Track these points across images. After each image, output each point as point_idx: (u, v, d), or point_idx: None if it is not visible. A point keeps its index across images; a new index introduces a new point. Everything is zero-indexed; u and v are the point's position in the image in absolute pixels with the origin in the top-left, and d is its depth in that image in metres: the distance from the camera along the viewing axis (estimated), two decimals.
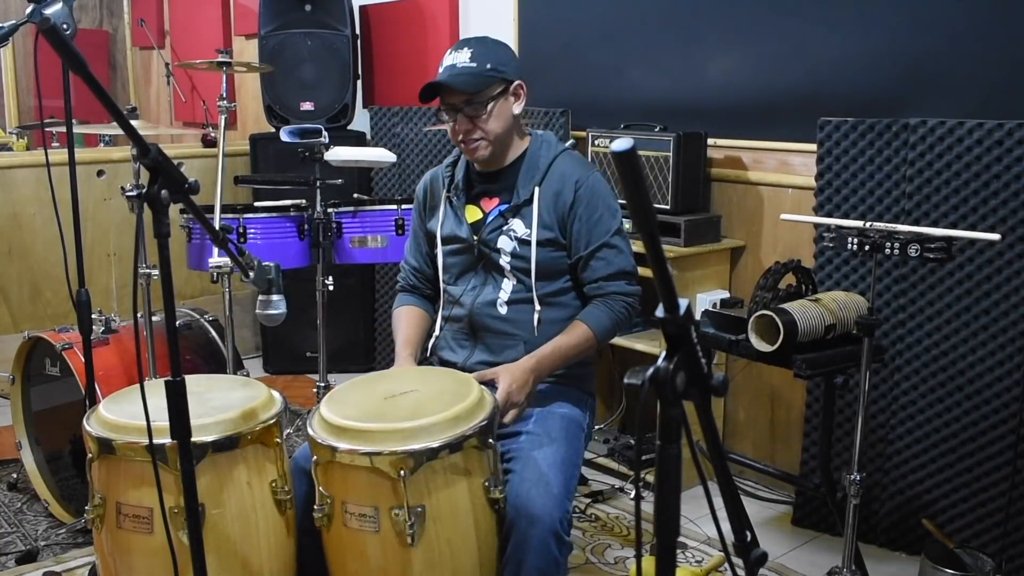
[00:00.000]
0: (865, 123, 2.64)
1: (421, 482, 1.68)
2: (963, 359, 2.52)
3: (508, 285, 2.10)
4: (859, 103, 2.76)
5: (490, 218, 2.13)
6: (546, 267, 2.08)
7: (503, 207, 2.12)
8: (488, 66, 2.01)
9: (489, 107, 2.03)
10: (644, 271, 2.92)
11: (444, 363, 2.18)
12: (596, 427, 3.41)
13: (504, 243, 2.09)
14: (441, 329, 2.22)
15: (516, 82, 2.07)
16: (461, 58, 2.02)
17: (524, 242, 2.07)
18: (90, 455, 1.79)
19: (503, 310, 2.09)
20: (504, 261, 2.09)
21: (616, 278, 2.08)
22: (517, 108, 2.09)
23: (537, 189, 2.07)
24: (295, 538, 1.90)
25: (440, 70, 2.05)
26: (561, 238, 2.08)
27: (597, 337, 2.05)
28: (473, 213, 2.16)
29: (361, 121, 4.35)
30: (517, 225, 2.08)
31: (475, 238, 2.13)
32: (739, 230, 3.18)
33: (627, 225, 3.09)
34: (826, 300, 2.41)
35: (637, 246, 2.94)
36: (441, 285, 2.22)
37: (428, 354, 2.25)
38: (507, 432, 1.95)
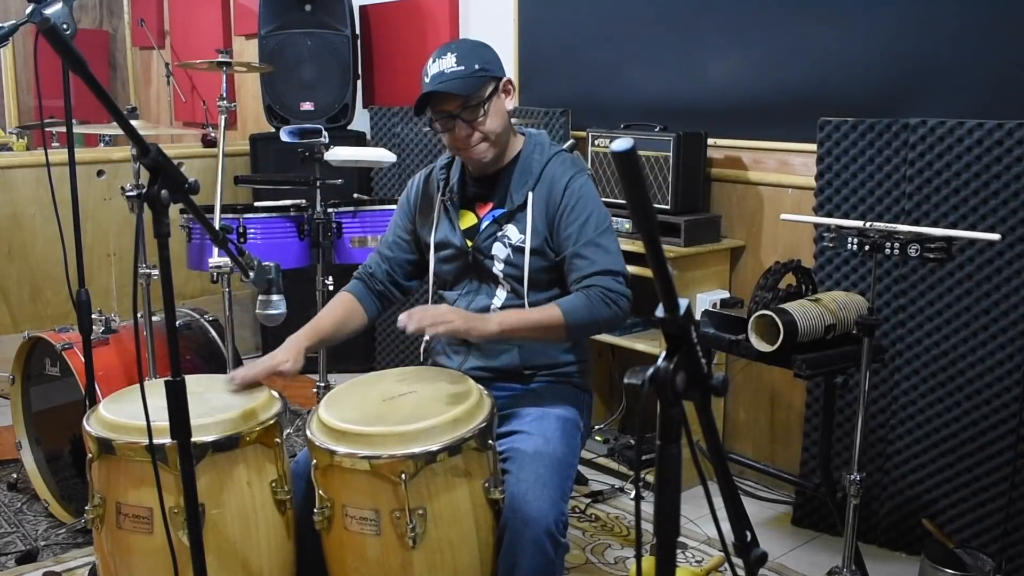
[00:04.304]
0: (865, 123, 2.64)
1: (422, 485, 1.68)
2: (963, 359, 2.52)
3: (502, 293, 2.09)
4: (859, 103, 2.76)
5: (484, 224, 2.11)
6: (539, 276, 2.06)
7: (497, 212, 2.10)
8: (476, 66, 1.98)
9: (486, 107, 2.00)
10: (644, 271, 2.93)
11: None
12: (596, 427, 3.41)
13: (498, 250, 2.07)
14: (434, 337, 2.21)
15: (504, 78, 2.05)
16: (447, 63, 1.98)
17: (518, 249, 2.05)
18: (90, 455, 1.79)
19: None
20: (498, 269, 2.08)
21: (600, 275, 1.96)
22: (509, 104, 2.07)
23: (531, 194, 2.05)
24: (295, 538, 1.90)
25: (427, 80, 2.01)
26: (552, 242, 2.05)
27: (566, 318, 1.92)
28: (467, 218, 2.15)
29: (361, 121, 4.35)
30: (511, 231, 2.06)
31: (469, 244, 2.11)
32: (739, 230, 3.18)
33: (627, 225, 3.13)
34: (826, 300, 2.41)
35: (637, 246, 2.96)
36: (431, 291, 2.21)
37: (422, 359, 2.25)
38: (504, 432, 1.95)
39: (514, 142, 2.12)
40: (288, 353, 2.00)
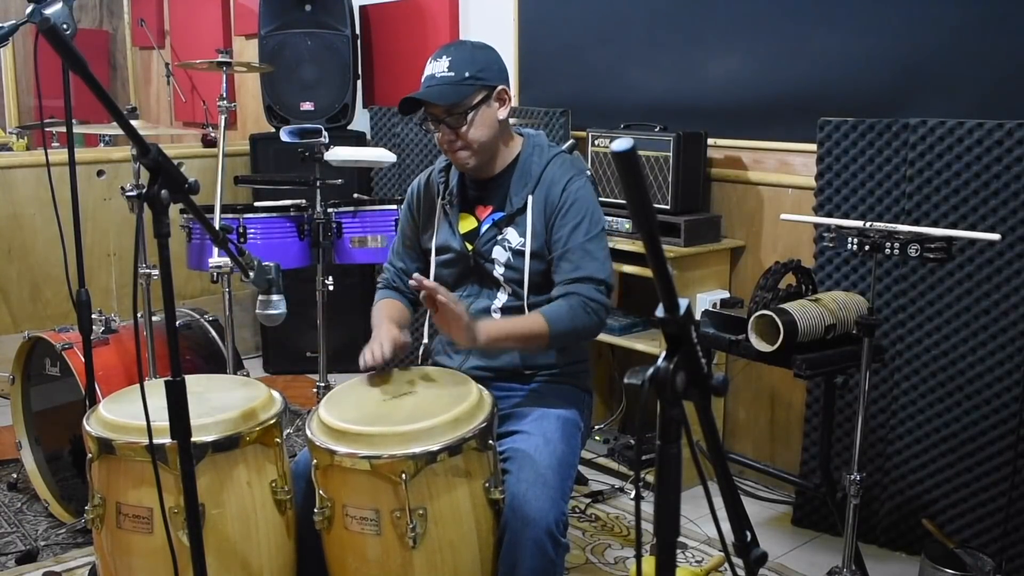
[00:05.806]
0: (865, 123, 2.64)
1: (422, 484, 1.68)
2: (963, 359, 2.52)
3: (502, 295, 2.10)
4: (859, 103, 2.76)
5: (484, 228, 2.10)
6: (539, 279, 2.05)
7: (497, 216, 2.10)
8: (467, 74, 1.97)
9: (470, 116, 1.99)
10: (644, 271, 2.93)
11: None
12: (596, 427, 3.41)
13: (499, 254, 2.07)
14: (433, 338, 2.22)
15: (499, 87, 2.03)
16: (439, 68, 1.98)
17: (518, 253, 2.05)
18: (90, 455, 1.79)
19: (496, 316, 2.09)
20: (498, 273, 2.08)
21: (583, 282, 1.97)
22: (502, 113, 2.05)
23: (530, 198, 2.05)
24: (295, 538, 1.90)
25: (422, 79, 2.02)
26: (548, 243, 2.05)
27: (549, 327, 1.93)
28: (467, 222, 2.14)
29: (361, 121, 4.35)
30: (511, 235, 2.06)
31: (469, 248, 2.11)
32: (739, 230, 3.18)
33: (627, 225, 3.13)
34: (826, 300, 2.41)
35: (637, 246, 2.96)
36: None
37: (420, 360, 2.25)
38: (504, 432, 1.95)
39: (512, 144, 2.12)
40: (392, 329, 2.04)
